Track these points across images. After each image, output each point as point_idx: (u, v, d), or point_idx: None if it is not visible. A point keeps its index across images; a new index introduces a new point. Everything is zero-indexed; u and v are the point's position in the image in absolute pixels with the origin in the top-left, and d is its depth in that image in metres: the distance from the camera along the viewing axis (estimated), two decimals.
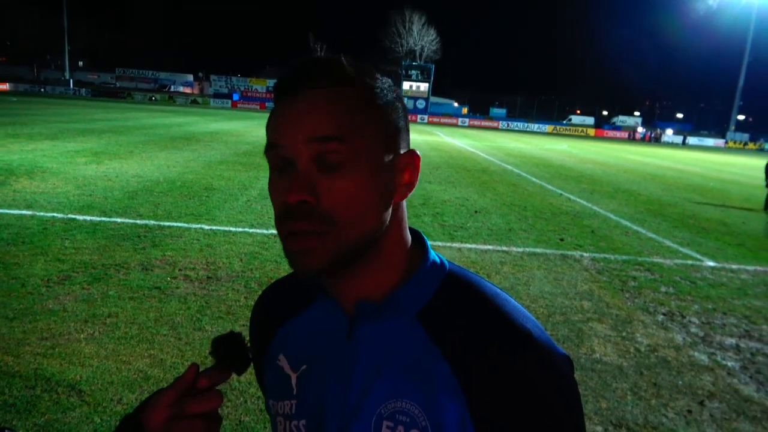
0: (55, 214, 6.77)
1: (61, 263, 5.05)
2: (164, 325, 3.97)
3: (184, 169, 11.34)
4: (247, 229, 6.81)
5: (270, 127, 0.66)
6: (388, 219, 0.67)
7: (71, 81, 66.91)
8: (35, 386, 3.05)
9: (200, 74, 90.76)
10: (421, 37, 75.66)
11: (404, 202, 0.71)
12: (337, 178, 0.62)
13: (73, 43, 72.94)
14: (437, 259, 0.72)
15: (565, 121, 70.94)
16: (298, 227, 0.62)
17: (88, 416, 2.82)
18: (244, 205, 8.25)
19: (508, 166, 18.27)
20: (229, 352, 0.70)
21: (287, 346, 0.76)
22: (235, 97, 63.32)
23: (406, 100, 59.80)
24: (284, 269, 5.31)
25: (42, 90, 60.24)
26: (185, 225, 6.80)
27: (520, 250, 6.94)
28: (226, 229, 6.79)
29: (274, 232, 6.75)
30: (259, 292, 3.73)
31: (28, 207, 7.05)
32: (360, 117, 0.63)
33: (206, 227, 6.78)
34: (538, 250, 6.99)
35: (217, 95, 64.55)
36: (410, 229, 0.74)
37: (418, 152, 0.70)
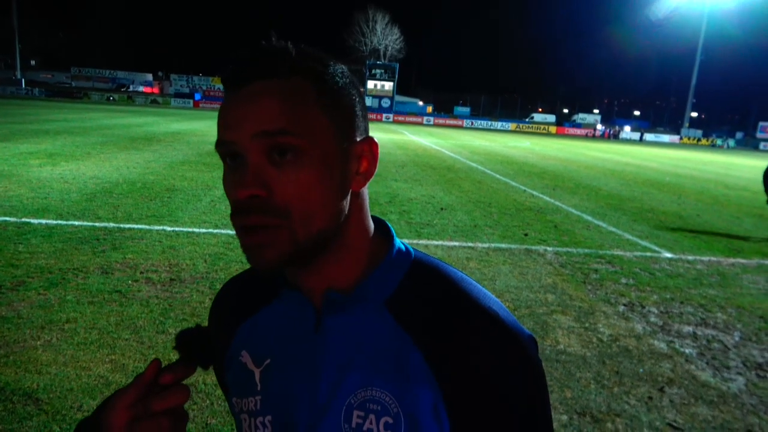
0: (7, 218, 6.50)
1: (14, 268, 4.85)
2: (126, 329, 3.86)
3: (144, 170, 11.06)
4: (211, 230, 6.69)
5: (219, 123, 0.64)
6: (347, 208, 0.66)
7: (23, 80, 64.31)
8: None
9: (160, 73, 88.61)
10: (384, 36, 75.81)
11: (365, 191, 0.70)
12: (289, 171, 0.60)
13: (25, 42, 70.17)
14: (402, 247, 0.72)
15: (527, 119, 72.22)
16: (251, 221, 0.61)
17: (47, 425, 2.71)
18: (208, 205, 8.10)
19: (473, 163, 18.48)
20: (193, 345, 0.67)
21: (250, 342, 0.75)
22: (197, 96, 62.09)
23: (370, 99, 60.15)
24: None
25: None
26: (147, 227, 6.63)
27: (486, 245, 7.03)
28: (190, 230, 6.64)
29: None
30: None
31: None
32: (309, 107, 0.62)
33: (169, 229, 6.62)
34: (503, 246, 7.09)
35: (178, 95, 63.15)
36: (374, 217, 0.73)
37: (375, 139, 0.69)
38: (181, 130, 23.12)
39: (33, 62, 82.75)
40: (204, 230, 6.67)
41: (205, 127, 26.68)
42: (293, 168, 0.60)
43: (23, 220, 6.50)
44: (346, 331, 0.67)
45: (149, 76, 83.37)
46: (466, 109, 75.61)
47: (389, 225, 0.74)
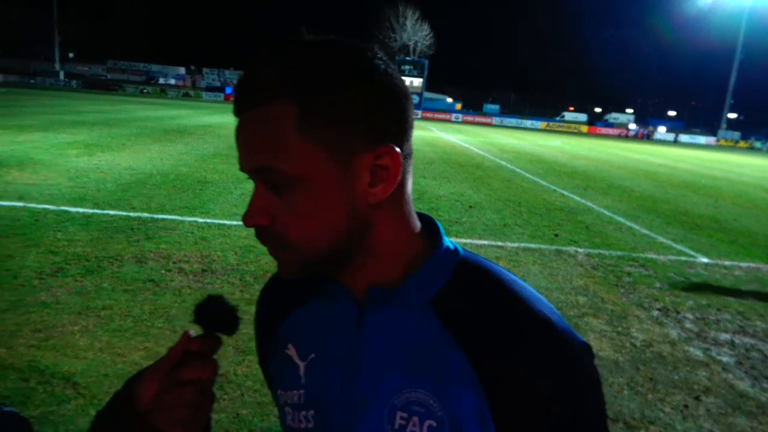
0: (47, 206, 6.69)
1: (53, 255, 4.99)
2: (159, 317, 3.94)
3: (177, 162, 11.25)
4: (241, 222, 6.76)
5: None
6: (363, 222, 0.63)
7: (61, 72, 66.15)
8: (29, 378, 3.00)
9: (192, 67, 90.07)
10: (414, 32, 75.51)
11: (405, 191, 0.66)
12: (288, 200, 0.61)
13: (63, 35, 72.09)
14: (450, 246, 0.70)
15: (558, 118, 71.17)
16: (264, 243, 0.65)
17: (84, 408, 2.79)
18: (239, 198, 8.20)
19: (502, 161, 18.30)
20: (214, 316, 0.66)
21: (295, 335, 0.74)
22: (228, 90, 62.93)
23: None
24: None
25: (32, 81, 59.50)
26: (179, 218, 6.75)
27: (515, 245, 6.95)
28: (221, 222, 6.74)
29: None
30: (255, 286, 3.72)
31: (20, 198, 6.96)
32: (290, 135, 0.59)
33: (200, 220, 6.72)
34: (533, 246, 7.00)
35: (210, 88, 64.16)
36: (422, 215, 0.72)
37: (394, 147, 0.62)
38: (213, 123, 23.46)
39: (71, 55, 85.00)
40: (235, 222, 6.75)
41: (235, 120, 26.99)
42: (291, 197, 0.61)
43: (62, 208, 6.68)
44: (388, 329, 0.66)
45: (182, 70, 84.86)
46: (496, 107, 74.92)
47: (438, 224, 0.72)
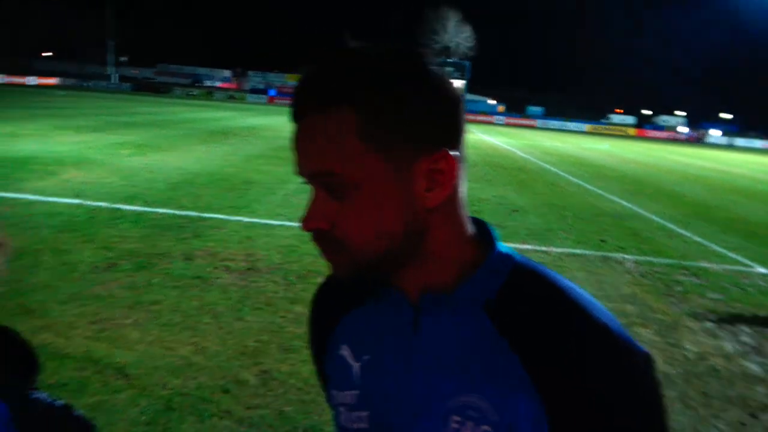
0: (101, 204, 6.97)
1: (107, 251, 5.19)
2: (206, 313, 4.04)
3: (223, 163, 11.54)
4: (285, 222, 6.87)
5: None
6: (418, 227, 0.64)
7: (115, 76, 68.89)
8: (86, 368, 3.13)
9: (238, 70, 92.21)
10: (455, 33, 75.10)
11: (459, 194, 0.67)
12: (345, 207, 0.62)
13: (117, 39, 75.11)
14: (505, 250, 0.69)
15: (604, 120, 69.39)
16: (319, 246, 0.66)
17: (135, 399, 2.88)
18: (282, 198, 8.33)
19: (546, 164, 17.97)
20: None
21: (350, 336, 0.75)
22: (271, 92, 64.10)
23: None
24: (322, 263, 5.32)
25: (87, 84, 62.20)
26: (225, 217, 6.91)
27: (560, 250, 6.80)
28: (265, 221, 6.86)
29: None
30: (298, 285, 3.75)
31: (77, 196, 7.28)
32: (350, 141, 0.60)
33: (245, 219, 6.87)
34: (578, 251, 6.84)
35: (254, 91, 65.52)
36: (476, 220, 0.72)
37: (450, 152, 0.63)
38: (256, 125, 23.95)
39: (124, 58, 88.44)
40: (278, 222, 6.86)
41: (278, 122, 27.49)
42: (350, 202, 0.62)
43: (115, 206, 6.94)
44: (443, 332, 0.66)
45: (227, 73, 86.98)
46: (539, 109, 73.67)
47: (491, 228, 0.72)
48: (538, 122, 63.16)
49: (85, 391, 2.91)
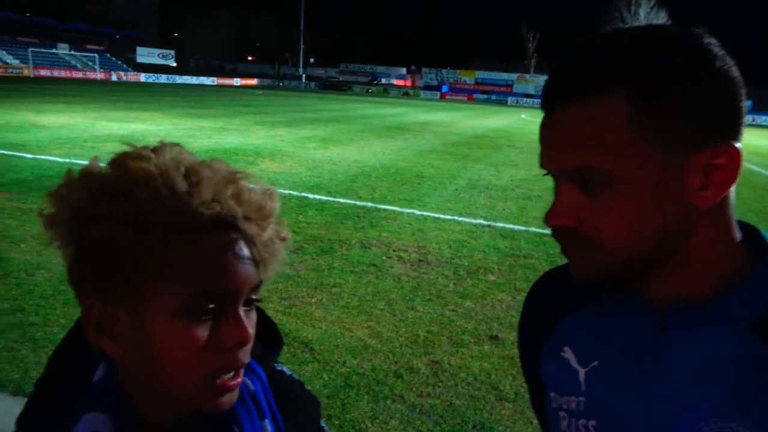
0: (291, 192, 7.71)
1: (295, 234, 5.72)
2: (380, 300, 4.24)
3: (397, 157, 12.00)
4: (455, 217, 6.92)
5: (539, 152, 0.62)
6: (684, 228, 0.57)
7: (303, 76, 75.80)
8: None
9: (412, 67, 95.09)
10: (649, 20, 68.35)
11: (729, 197, 0.58)
12: (602, 202, 0.56)
13: (306, 44, 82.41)
14: None
15: None
16: (561, 244, 0.61)
17: (319, 373, 3.14)
18: (453, 193, 8.40)
19: (754, 166, 15.54)
20: None
21: (574, 339, 0.70)
22: (444, 88, 65.02)
23: None
24: (492, 260, 5.27)
25: (280, 84, 69.37)
26: (398, 209, 7.18)
27: None
28: (436, 215, 6.98)
29: (482, 222, 6.74)
30: (468, 280, 3.71)
31: (271, 184, 7.59)
32: (619, 133, 0.54)
33: (417, 212, 7.06)
34: None
35: (427, 87, 67.05)
36: (742, 224, 0.62)
37: (734, 145, 0.55)
38: (429, 121, 24.46)
39: (312, 60, 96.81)
40: (449, 217, 6.93)
41: (449, 118, 27.76)
42: (608, 198, 0.56)
43: (302, 194, 7.63)
44: (697, 347, 0.59)
45: (403, 70, 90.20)
46: (747, 103, 63.88)
47: (765, 235, 0.62)
48: (746, 117, 54.75)
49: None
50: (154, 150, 0.55)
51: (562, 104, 0.57)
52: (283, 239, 0.62)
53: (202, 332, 0.53)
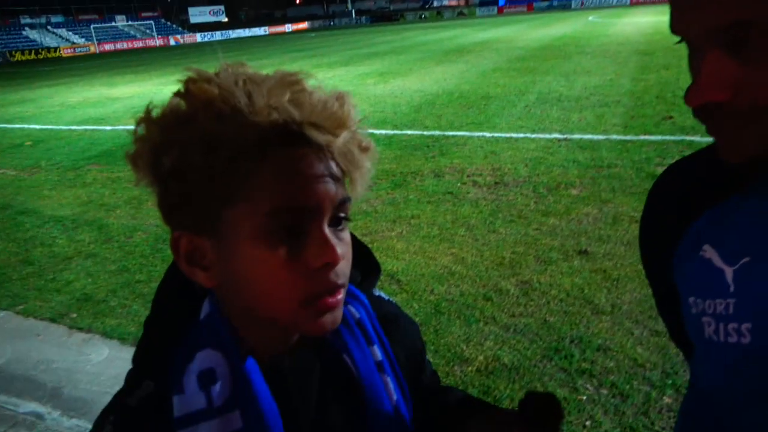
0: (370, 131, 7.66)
1: None
2: (461, 226, 4.19)
3: (459, 81, 11.56)
4: (528, 135, 6.63)
5: (670, 3, 0.50)
6: None
7: (353, 11, 73.78)
8: None
9: None
10: None
11: None
12: (757, 65, 0.46)
13: None
14: None
15: None
16: (709, 124, 0.52)
17: (408, 302, 3.18)
18: (523, 110, 8.02)
19: None
20: (543, 413, 0.61)
21: (715, 235, 0.61)
22: (501, 2, 61.17)
23: None
24: (572, 174, 5.03)
25: (331, 23, 68.05)
26: (468, 134, 6.97)
27: None
28: (508, 135, 6.72)
29: (558, 136, 6.42)
30: (549, 198, 3.55)
31: None
32: None
33: (488, 134, 6.82)
34: None
35: (483, 3, 63.33)
36: None
37: None
38: (488, 39, 23.26)
39: None
40: (521, 135, 6.65)
41: (511, 32, 26.25)
42: (763, 59, 0.45)
43: (369, 131, 7.53)
44: None
45: None
46: None
47: None
48: None
49: None
50: (218, 72, 0.52)
51: None
52: (364, 149, 0.56)
53: (287, 253, 0.50)
